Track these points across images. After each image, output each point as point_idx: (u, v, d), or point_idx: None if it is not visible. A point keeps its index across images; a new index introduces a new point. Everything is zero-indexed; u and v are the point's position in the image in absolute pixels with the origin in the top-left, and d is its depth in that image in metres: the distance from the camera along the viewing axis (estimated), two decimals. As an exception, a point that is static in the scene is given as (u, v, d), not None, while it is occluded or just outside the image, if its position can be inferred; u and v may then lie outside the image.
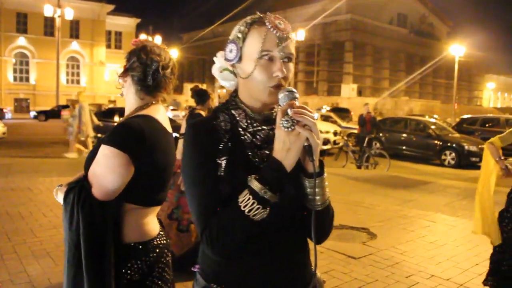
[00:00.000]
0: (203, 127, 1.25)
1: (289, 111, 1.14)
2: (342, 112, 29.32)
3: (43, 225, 5.51)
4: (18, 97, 52.25)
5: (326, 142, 15.41)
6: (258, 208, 1.12)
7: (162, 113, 1.84)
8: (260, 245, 1.21)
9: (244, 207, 1.12)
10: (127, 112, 1.85)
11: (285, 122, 1.13)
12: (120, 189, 1.63)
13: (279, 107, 1.18)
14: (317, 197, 1.21)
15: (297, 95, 1.19)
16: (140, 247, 1.69)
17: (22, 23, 52.32)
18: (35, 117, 39.49)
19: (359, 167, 12.30)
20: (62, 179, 8.49)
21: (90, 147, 12.49)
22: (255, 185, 1.13)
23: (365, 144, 12.35)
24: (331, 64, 65.11)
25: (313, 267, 1.30)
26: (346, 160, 12.73)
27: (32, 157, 12.26)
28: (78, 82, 56.83)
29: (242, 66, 1.26)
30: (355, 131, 17.18)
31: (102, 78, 57.65)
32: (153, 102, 1.84)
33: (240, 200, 1.13)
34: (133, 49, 1.85)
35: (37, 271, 4.04)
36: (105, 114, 17.07)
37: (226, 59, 1.30)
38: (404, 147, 15.77)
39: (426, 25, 73.31)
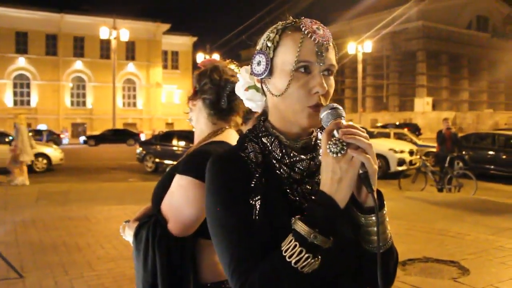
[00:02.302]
0: (229, 161, 1.11)
1: (335, 132, 1.00)
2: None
3: (101, 257, 5.59)
4: (75, 121, 55.29)
5: (401, 162, 14.95)
6: (308, 257, 0.95)
7: (236, 139, 1.81)
8: None
9: (290, 257, 0.96)
10: (197, 138, 1.83)
11: (334, 146, 0.97)
12: (198, 223, 1.60)
13: (324, 128, 1.03)
14: (376, 237, 1.04)
15: (343, 112, 1.04)
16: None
17: (79, 47, 55.74)
18: (85, 142, 40.71)
19: (440, 190, 11.79)
20: (120, 207, 8.71)
21: (25, 174, 12.53)
22: (302, 228, 0.97)
23: (446, 164, 11.85)
24: (402, 77, 63.94)
25: None
26: (425, 183, 12.24)
27: (90, 184, 12.70)
28: (134, 104, 59.32)
29: (273, 81, 1.12)
30: (433, 150, 16.54)
31: (159, 100, 59.84)
32: (226, 127, 1.82)
33: (284, 248, 0.97)
34: (203, 70, 1.82)
35: (95, 309, 4.05)
36: (163, 138, 17.49)
37: (253, 73, 1.16)
38: (492, 166, 14.99)
39: (512, 26, 70.21)
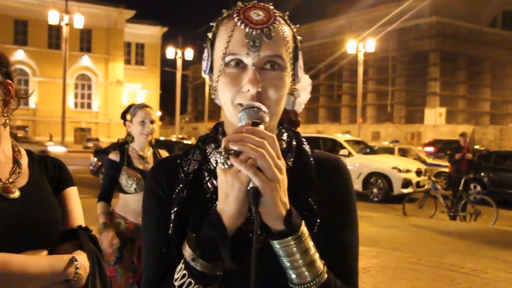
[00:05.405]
0: (163, 166, 1.24)
1: None
2: None
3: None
4: (14, 124, 54.19)
5: (407, 184, 15.02)
6: (190, 283, 1.00)
7: None
8: None
9: (176, 280, 1.02)
10: None
11: (220, 156, 0.97)
12: None
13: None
14: (291, 272, 1.02)
15: (261, 114, 1.04)
16: None
17: (21, 33, 55.08)
18: None
19: (453, 217, 11.88)
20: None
21: None
22: (186, 250, 1.02)
23: (460, 187, 11.94)
24: (411, 82, 64.56)
25: None
26: (435, 209, 12.33)
27: None
28: (89, 106, 58.95)
29: (214, 78, 1.16)
30: (446, 170, 16.69)
31: (120, 101, 59.31)
32: None
33: (176, 269, 1.04)
34: None
35: None
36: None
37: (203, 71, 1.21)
38: (516, 192, 15.10)
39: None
